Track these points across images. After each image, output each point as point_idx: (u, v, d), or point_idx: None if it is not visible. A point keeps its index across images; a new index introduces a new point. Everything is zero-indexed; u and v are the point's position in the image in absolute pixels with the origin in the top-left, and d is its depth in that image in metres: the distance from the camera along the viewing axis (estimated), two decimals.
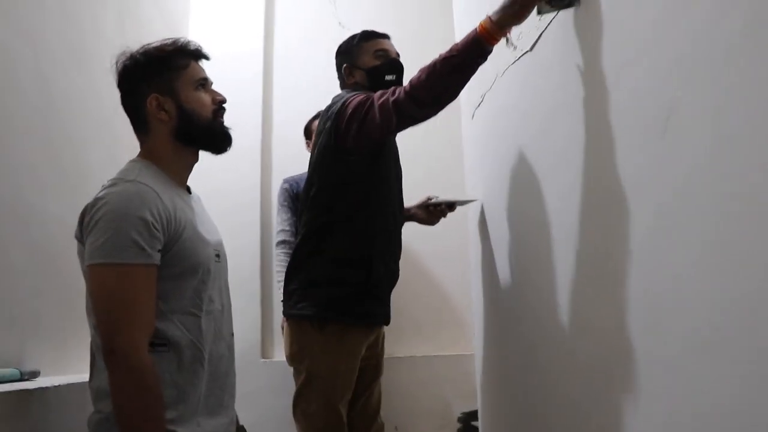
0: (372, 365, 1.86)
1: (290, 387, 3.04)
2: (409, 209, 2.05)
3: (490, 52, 1.46)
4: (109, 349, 1.13)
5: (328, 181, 1.81)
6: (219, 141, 1.39)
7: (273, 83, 3.52)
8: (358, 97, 1.72)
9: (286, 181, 2.93)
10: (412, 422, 2.98)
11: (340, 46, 2.00)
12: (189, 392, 1.22)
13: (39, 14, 1.80)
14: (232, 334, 1.40)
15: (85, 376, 1.69)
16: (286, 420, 3.04)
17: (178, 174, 1.38)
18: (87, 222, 1.20)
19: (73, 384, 1.55)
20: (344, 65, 1.95)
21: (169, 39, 1.37)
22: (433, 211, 2.01)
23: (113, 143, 2.27)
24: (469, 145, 2.34)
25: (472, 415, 2.89)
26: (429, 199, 2.05)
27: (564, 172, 1.26)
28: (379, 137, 1.71)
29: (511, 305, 1.73)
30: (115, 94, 2.23)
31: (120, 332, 1.13)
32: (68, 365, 1.82)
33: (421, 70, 1.55)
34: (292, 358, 1.79)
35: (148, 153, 1.35)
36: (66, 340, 1.84)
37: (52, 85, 1.86)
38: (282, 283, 2.75)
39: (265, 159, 3.37)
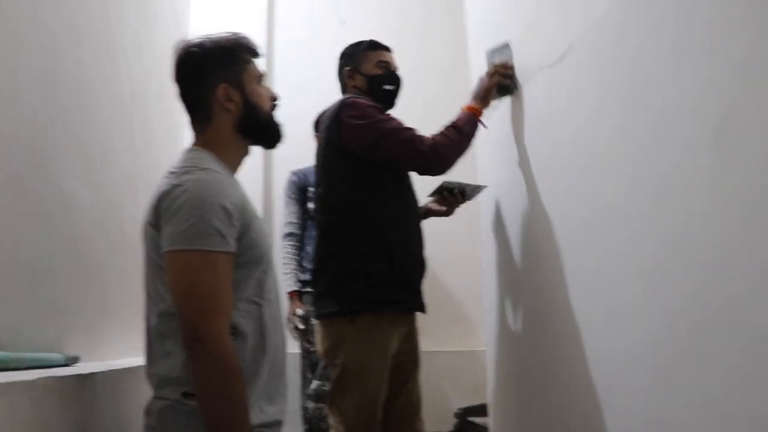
0: (410, 359, 1.89)
1: (288, 379, 3.06)
2: (423, 206, 2.10)
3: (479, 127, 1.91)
4: (195, 338, 1.12)
5: (334, 178, 1.87)
6: (275, 135, 1.43)
7: (275, 79, 3.53)
8: (365, 105, 1.82)
9: (294, 173, 2.94)
10: None
11: (346, 50, 2.06)
12: (253, 380, 1.22)
13: (80, 1, 1.80)
14: (283, 324, 1.42)
15: (123, 362, 1.71)
16: None
17: (234, 166, 1.38)
18: (165, 207, 1.19)
19: (117, 370, 1.56)
20: (347, 68, 2.01)
21: (227, 33, 1.38)
22: (447, 197, 2.05)
23: (130, 132, 2.27)
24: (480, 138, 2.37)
25: (470, 411, 2.94)
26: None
27: (601, 171, 1.32)
28: (387, 165, 1.86)
29: (533, 303, 1.77)
30: (134, 84, 2.25)
31: (206, 320, 1.13)
32: (102, 351, 1.82)
33: (443, 139, 1.81)
34: (326, 354, 1.82)
35: (206, 143, 1.34)
36: (98, 325, 1.84)
37: (86, 72, 1.86)
38: (288, 275, 2.78)
39: (268, 154, 3.37)
